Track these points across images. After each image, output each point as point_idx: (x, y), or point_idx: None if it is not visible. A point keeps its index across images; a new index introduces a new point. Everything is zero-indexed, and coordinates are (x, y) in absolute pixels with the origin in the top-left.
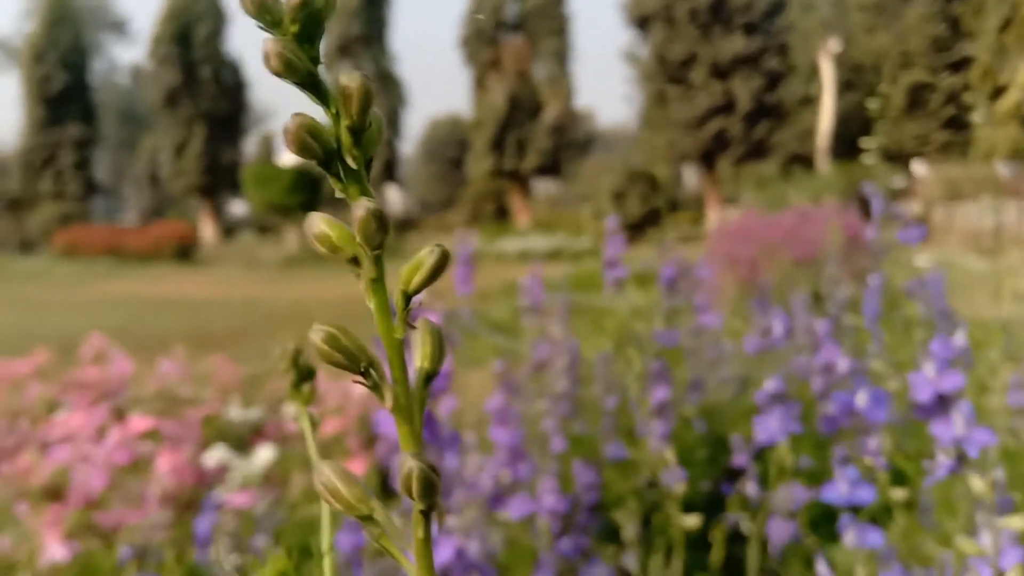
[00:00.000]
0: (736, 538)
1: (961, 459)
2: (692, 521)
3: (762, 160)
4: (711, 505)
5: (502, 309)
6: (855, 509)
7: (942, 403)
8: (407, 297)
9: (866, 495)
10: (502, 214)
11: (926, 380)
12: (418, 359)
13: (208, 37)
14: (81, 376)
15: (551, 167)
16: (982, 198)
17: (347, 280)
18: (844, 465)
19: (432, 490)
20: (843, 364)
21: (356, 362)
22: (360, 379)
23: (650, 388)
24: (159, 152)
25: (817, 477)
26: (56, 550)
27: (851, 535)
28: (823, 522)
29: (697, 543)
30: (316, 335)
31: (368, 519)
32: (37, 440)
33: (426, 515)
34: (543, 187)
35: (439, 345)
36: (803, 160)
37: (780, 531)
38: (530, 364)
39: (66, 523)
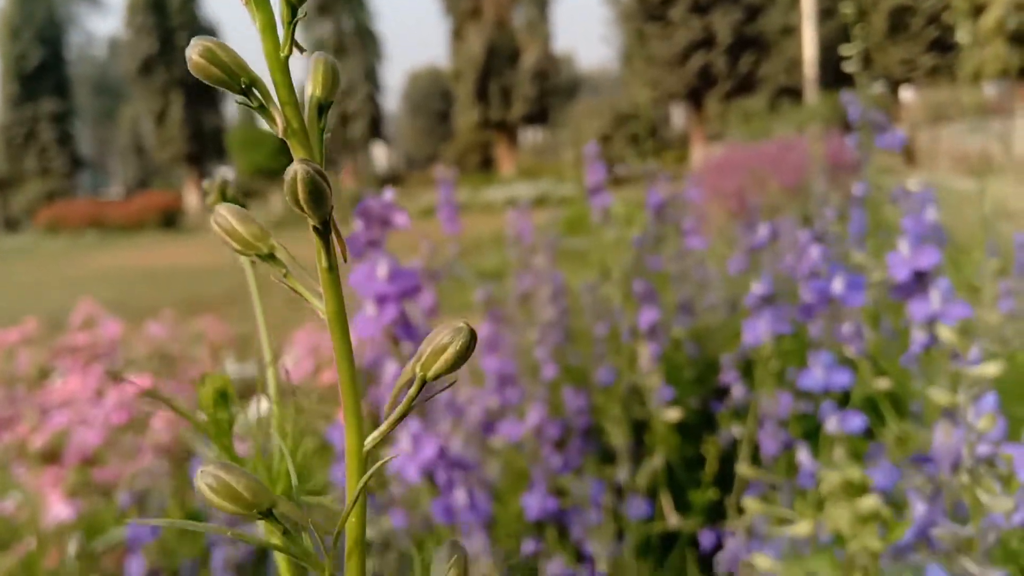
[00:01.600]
0: (729, 460)
1: (935, 338)
2: (673, 414)
3: (750, 95)
4: (703, 424)
5: (492, 258)
6: (843, 401)
7: (919, 281)
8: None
9: (842, 379)
10: (487, 165)
11: (901, 259)
12: (310, 87)
13: (184, 3)
14: (71, 341)
15: (538, 115)
16: (968, 120)
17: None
18: (818, 350)
19: (322, 197)
20: (815, 252)
21: (236, 78)
22: (243, 99)
23: (638, 310)
24: (140, 122)
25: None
26: (59, 509)
27: (832, 420)
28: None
29: (691, 463)
30: (192, 49)
31: (270, 257)
32: (35, 406)
33: (323, 234)
34: (530, 136)
35: (331, 73)
36: (793, 93)
37: (771, 439)
38: (515, 295)
39: (67, 482)
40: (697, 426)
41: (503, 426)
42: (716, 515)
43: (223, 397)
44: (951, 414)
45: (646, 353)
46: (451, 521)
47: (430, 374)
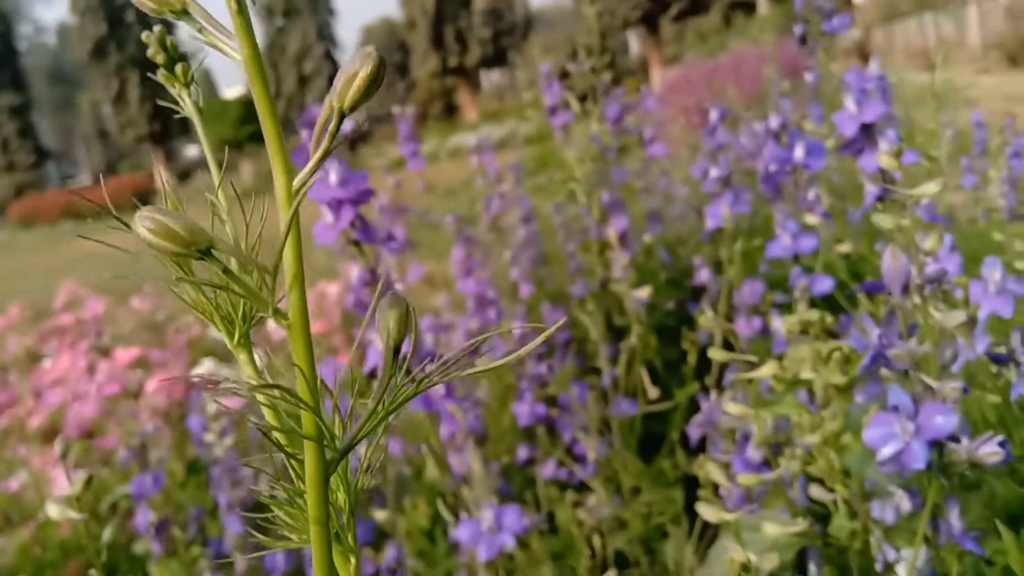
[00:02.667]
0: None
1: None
2: (644, 292)
3: (704, 14)
4: (680, 327)
5: (464, 203)
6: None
7: (867, 134)
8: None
9: (809, 244)
10: (451, 112)
11: (848, 115)
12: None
13: None
14: (57, 322)
15: (496, 57)
16: (921, 14)
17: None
18: (785, 219)
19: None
20: (775, 121)
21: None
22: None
23: (608, 221)
24: (100, 107)
25: (780, 283)
26: (64, 482)
27: (801, 283)
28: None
29: (672, 365)
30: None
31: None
32: (29, 387)
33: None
34: (490, 79)
35: None
36: (745, 6)
37: (745, 324)
38: (486, 220)
39: (74, 454)
40: (676, 328)
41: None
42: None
43: None
44: (898, 237)
45: (619, 260)
46: (430, 409)
47: (346, 104)
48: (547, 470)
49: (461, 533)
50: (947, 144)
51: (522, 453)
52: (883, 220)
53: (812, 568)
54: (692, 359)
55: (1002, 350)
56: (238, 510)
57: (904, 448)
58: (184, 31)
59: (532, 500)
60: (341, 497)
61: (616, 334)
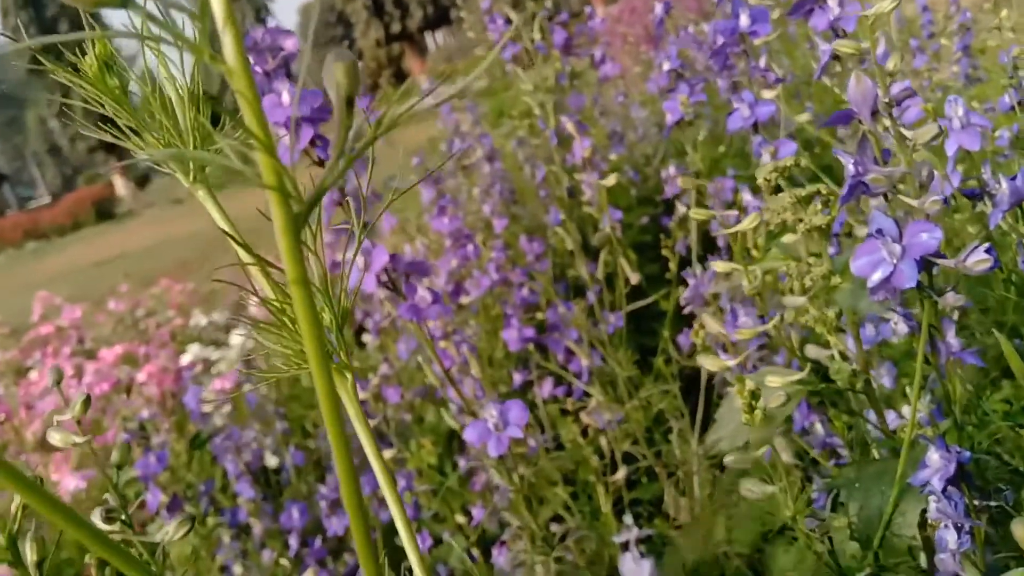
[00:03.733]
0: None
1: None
2: (610, 180)
3: None
4: (657, 242)
5: (433, 164)
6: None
7: None
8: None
9: (766, 111)
10: (401, 79)
11: None
12: None
13: None
14: (37, 333)
15: (438, 18)
16: None
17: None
18: (738, 93)
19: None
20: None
21: None
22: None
23: (571, 146)
24: (48, 123)
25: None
26: (70, 481)
27: (767, 148)
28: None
29: (653, 280)
30: None
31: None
32: (20, 400)
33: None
34: (436, 41)
35: None
36: None
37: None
38: (452, 161)
39: (73, 457)
40: (652, 245)
41: (471, 286)
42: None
43: (108, 64)
44: (861, 61)
45: (588, 181)
46: (419, 318)
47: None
48: (545, 389)
49: (469, 435)
50: (896, 31)
51: (517, 378)
52: (844, 45)
53: (818, 426)
54: (673, 267)
55: (974, 184)
56: (247, 476)
57: (893, 270)
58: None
59: (535, 423)
60: (327, 317)
61: (595, 256)
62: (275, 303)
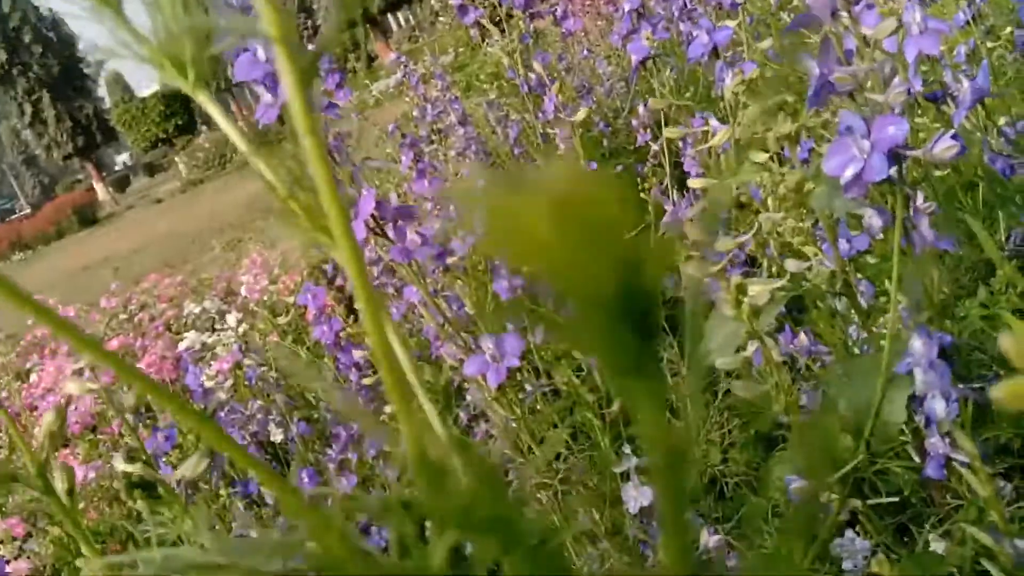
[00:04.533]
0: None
1: None
2: (582, 114)
3: None
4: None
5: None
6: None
7: None
8: None
9: (724, 35)
10: (370, 63)
11: None
12: None
13: (12, 3)
14: (34, 336)
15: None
16: None
17: (248, 183)
18: (699, 18)
19: None
20: None
21: None
22: None
23: (541, 102)
24: (21, 134)
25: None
26: (79, 473)
27: (727, 77)
28: None
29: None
30: None
31: None
32: (24, 403)
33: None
34: (399, 20)
35: None
36: None
37: (693, 165)
38: (424, 128)
39: (81, 450)
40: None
41: (457, 246)
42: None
43: None
44: None
45: (561, 135)
46: (409, 259)
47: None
48: (538, 336)
49: (468, 368)
50: None
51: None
52: None
53: (803, 336)
54: (652, 216)
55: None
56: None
57: (864, 165)
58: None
59: (531, 371)
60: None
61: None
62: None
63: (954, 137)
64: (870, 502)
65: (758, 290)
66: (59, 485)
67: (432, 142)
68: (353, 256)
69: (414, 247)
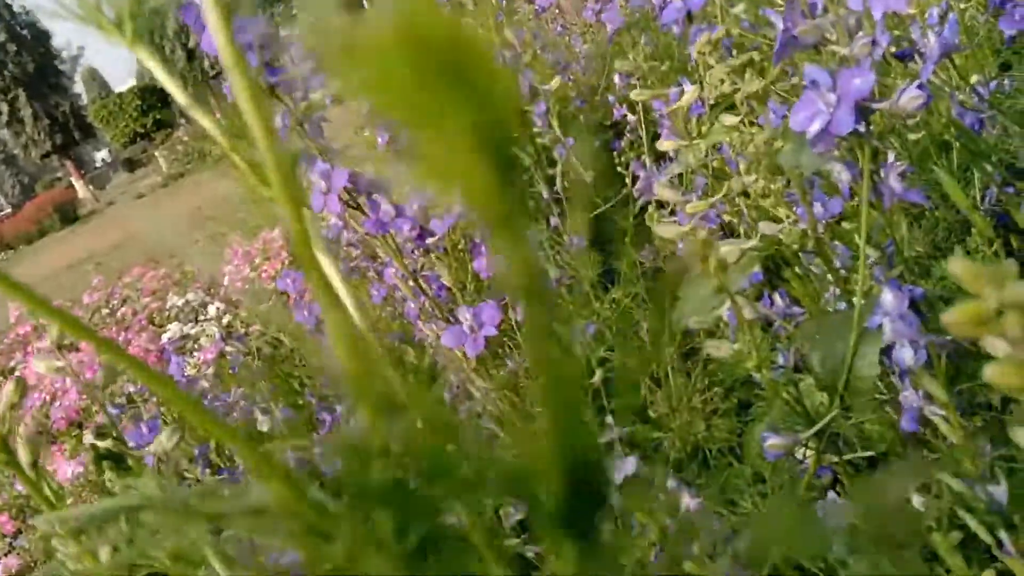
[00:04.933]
0: None
1: None
2: (554, 82)
3: None
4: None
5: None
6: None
7: None
8: None
9: (697, 1)
10: None
11: None
12: None
13: None
14: (16, 335)
15: None
16: None
17: (229, 177)
18: None
19: None
20: None
21: None
22: None
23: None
24: None
25: None
26: (67, 469)
27: (702, 35)
28: None
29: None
30: None
31: None
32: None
33: None
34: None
35: None
36: None
37: (669, 132)
38: None
39: (68, 446)
40: (603, 172)
41: (434, 224)
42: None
43: None
44: None
45: (537, 112)
46: (384, 231)
47: None
48: (519, 311)
49: (446, 339)
50: None
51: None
52: None
53: (778, 297)
54: (628, 186)
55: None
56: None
57: (831, 119)
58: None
59: (513, 347)
60: None
61: (551, 182)
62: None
63: (920, 87)
64: (846, 457)
65: (728, 249)
66: (23, 458)
67: None
68: (291, 201)
69: (388, 219)
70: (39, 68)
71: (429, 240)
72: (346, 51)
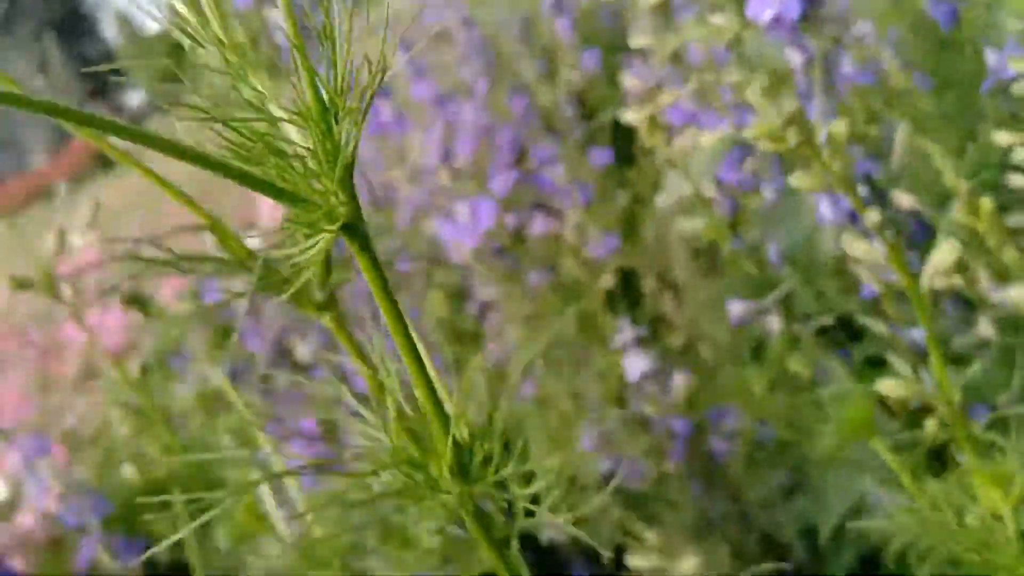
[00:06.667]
0: None
1: None
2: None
3: None
4: None
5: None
6: None
7: None
8: None
9: None
10: None
11: None
12: None
13: None
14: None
15: None
16: None
17: None
18: None
19: None
20: None
21: None
22: None
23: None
24: (31, 81)
25: None
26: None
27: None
28: None
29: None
30: None
31: None
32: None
33: None
34: None
35: None
36: None
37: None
38: (423, 31)
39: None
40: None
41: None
42: None
43: None
44: None
45: (561, 24)
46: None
47: None
48: (536, 226)
49: (445, 232)
50: None
51: (510, 220)
52: None
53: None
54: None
55: None
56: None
57: (782, 6)
58: None
59: (532, 262)
60: None
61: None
62: None
63: None
64: (807, 325)
65: (706, 140)
66: None
67: (433, 39)
68: None
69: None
70: (69, 13)
71: (455, 164)
72: None
